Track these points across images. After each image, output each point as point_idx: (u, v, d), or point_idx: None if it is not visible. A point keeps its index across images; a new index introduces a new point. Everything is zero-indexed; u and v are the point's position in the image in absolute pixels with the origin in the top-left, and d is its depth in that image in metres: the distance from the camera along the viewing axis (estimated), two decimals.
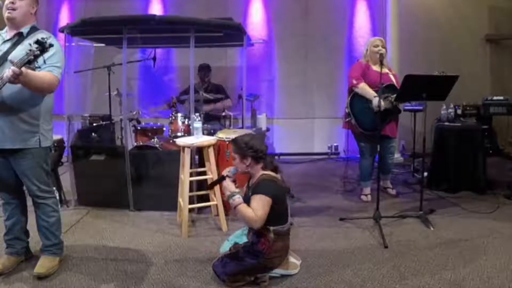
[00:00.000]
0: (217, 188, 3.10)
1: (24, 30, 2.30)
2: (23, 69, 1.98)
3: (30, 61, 1.99)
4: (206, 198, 3.44)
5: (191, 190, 3.29)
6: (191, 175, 3.21)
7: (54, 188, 2.54)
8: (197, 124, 3.41)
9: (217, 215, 3.27)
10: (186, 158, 3.09)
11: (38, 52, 2.00)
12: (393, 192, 4.04)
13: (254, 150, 2.32)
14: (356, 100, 3.64)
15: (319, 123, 6.03)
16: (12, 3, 2.24)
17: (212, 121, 4.72)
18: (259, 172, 2.36)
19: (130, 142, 4.17)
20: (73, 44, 3.97)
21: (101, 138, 4.39)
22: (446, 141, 4.07)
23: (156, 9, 5.91)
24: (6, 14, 2.25)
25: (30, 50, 2.00)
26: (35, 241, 2.60)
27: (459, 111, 4.78)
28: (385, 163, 3.97)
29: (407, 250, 2.73)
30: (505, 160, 5.24)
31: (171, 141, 3.91)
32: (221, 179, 2.41)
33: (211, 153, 3.22)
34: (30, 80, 2.07)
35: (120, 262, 2.60)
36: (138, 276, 2.41)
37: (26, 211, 2.54)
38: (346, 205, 3.78)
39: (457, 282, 2.30)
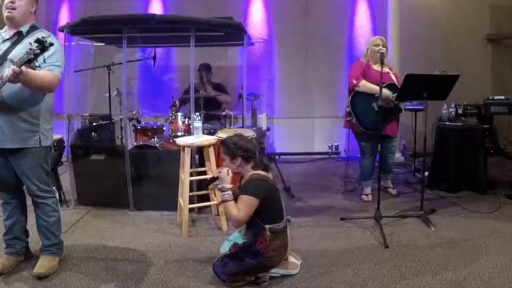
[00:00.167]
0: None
1: (24, 29, 2.29)
2: (23, 68, 1.97)
3: (30, 60, 1.98)
4: (206, 198, 3.43)
5: (191, 189, 3.28)
6: (191, 174, 3.20)
7: (54, 187, 2.53)
8: (197, 124, 3.40)
9: (217, 214, 3.26)
10: (186, 158, 3.08)
11: (38, 51, 1.99)
12: (394, 191, 4.03)
13: (243, 150, 2.32)
14: (357, 99, 3.63)
15: (319, 122, 6.03)
16: (12, 2, 2.23)
17: (212, 120, 4.72)
18: (250, 172, 2.36)
19: (130, 142, 4.16)
20: (73, 43, 3.97)
21: (101, 137, 4.38)
22: (447, 140, 4.06)
23: (156, 8, 5.90)
24: (5, 13, 2.24)
25: (30, 49, 1.99)
26: (34, 241, 2.59)
27: (460, 111, 4.78)
28: (386, 163, 3.96)
29: (408, 250, 2.72)
30: (506, 159, 5.23)
31: (171, 140, 3.91)
32: (216, 179, 2.44)
33: (211, 152, 3.21)
34: (30, 79, 2.06)
35: (120, 262, 2.59)
36: (138, 276, 2.40)
37: (26, 211, 2.53)
38: (347, 205, 3.77)
39: (458, 282, 2.29)
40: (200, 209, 3.50)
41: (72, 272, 2.45)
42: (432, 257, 2.61)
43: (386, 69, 3.51)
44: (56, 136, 3.42)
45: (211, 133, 3.86)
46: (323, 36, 5.87)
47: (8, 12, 2.23)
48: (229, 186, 2.31)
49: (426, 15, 5.81)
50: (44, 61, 2.19)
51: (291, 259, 2.46)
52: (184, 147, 3.12)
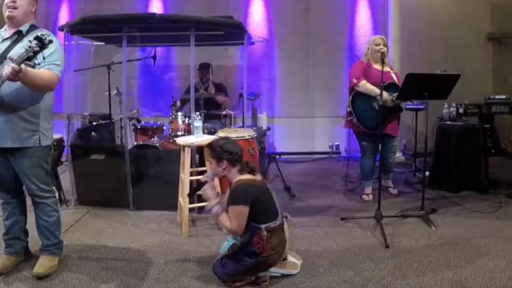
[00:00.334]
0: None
1: (24, 28, 2.28)
2: (23, 66, 1.96)
3: (29, 58, 1.98)
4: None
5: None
6: (191, 174, 3.19)
7: (54, 187, 2.52)
8: (198, 123, 3.39)
9: None
10: (186, 157, 3.07)
11: (38, 48, 1.99)
12: (395, 191, 4.02)
13: (229, 153, 2.32)
14: (358, 99, 3.62)
15: (320, 122, 6.02)
16: (13, 1, 2.23)
17: (213, 120, 4.71)
18: (236, 177, 2.35)
19: (130, 141, 4.16)
20: (72, 42, 3.95)
21: (100, 137, 4.38)
22: (448, 140, 4.05)
23: (156, 7, 5.89)
24: (6, 12, 2.24)
25: (30, 46, 1.98)
26: (34, 240, 2.58)
27: (461, 110, 4.77)
28: (386, 162, 3.95)
29: (409, 250, 2.71)
30: (508, 159, 5.21)
31: (171, 140, 3.90)
32: (199, 186, 2.43)
33: None
34: (29, 77, 2.05)
35: (120, 262, 2.58)
36: (138, 276, 2.40)
37: (26, 211, 2.52)
38: (347, 205, 3.76)
39: (459, 282, 2.28)
40: (200, 209, 3.49)
41: (72, 272, 2.45)
42: (433, 256, 2.61)
43: (386, 69, 3.50)
44: (56, 136, 3.42)
45: (211, 132, 3.85)
46: (323, 36, 5.86)
47: (9, 11, 2.23)
48: (214, 202, 2.31)
49: (427, 14, 5.80)
50: (44, 59, 2.18)
51: (292, 259, 2.46)
52: (184, 146, 3.12)
